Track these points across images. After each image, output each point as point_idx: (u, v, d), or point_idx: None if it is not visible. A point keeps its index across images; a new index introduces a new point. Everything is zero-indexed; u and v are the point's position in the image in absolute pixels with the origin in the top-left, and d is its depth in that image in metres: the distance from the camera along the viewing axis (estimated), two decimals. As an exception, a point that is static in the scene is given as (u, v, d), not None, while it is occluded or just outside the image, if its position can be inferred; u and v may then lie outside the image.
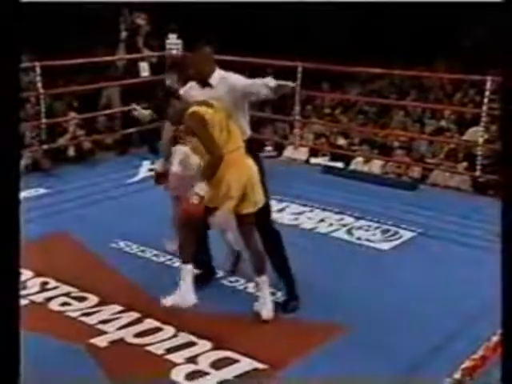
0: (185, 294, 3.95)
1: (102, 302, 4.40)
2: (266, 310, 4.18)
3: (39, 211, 5.92)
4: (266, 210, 4.25)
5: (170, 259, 5.04)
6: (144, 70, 8.25)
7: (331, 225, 5.99)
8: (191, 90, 4.24)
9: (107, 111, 8.59)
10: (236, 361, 3.75)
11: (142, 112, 4.47)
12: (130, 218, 5.87)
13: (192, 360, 3.76)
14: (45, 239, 5.37)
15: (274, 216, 5.98)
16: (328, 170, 7.85)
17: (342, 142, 9.39)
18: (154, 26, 8.64)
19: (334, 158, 8.72)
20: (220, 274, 4.83)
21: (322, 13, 12.47)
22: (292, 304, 4.37)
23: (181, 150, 4.53)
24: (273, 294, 4.39)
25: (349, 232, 5.84)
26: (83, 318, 4.21)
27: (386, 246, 5.56)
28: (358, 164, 8.46)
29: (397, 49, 11.43)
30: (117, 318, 4.20)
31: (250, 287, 4.58)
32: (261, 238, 4.24)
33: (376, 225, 5.98)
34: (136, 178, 7.15)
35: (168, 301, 3.96)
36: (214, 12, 11.43)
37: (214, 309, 4.32)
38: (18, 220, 2.28)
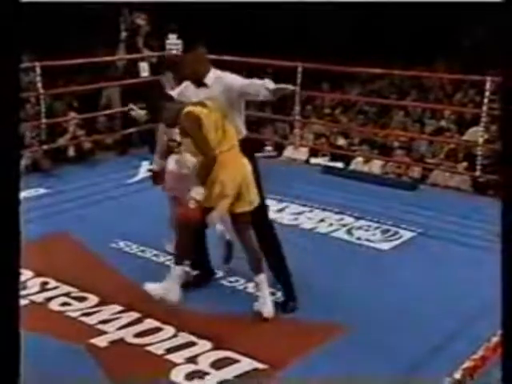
0: (169, 289, 3.99)
1: (102, 302, 4.40)
2: (267, 309, 4.18)
3: (39, 211, 5.92)
4: (262, 209, 4.26)
5: (170, 259, 5.03)
6: (144, 70, 8.25)
7: (331, 225, 5.99)
8: (186, 90, 4.25)
9: (107, 111, 8.59)
10: (236, 361, 3.75)
11: (138, 112, 4.48)
12: (130, 218, 5.87)
13: (192, 360, 3.76)
14: (45, 239, 5.37)
15: (274, 216, 6.03)
16: (328, 170, 7.85)
17: (341, 142, 9.39)
18: (153, 26, 8.65)
19: (334, 158, 8.73)
20: (219, 274, 4.82)
21: (322, 13, 12.48)
22: (291, 304, 4.37)
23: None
24: (272, 294, 4.39)
25: (349, 232, 5.84)
26: (83, 318, 4.21)
27: (385, 246, 5.56)
28: (357, 164, 8.46)
29: (397, 49, 11.43)
30: (117, 318, 4.20)
31: (250, 287, 4.58)
32: (257, 236, 4.25)
33: (376, 225, 5.98)
34: (136, 178, 7.15)
35: (151, 288, 4.02)
36: (214, 12, 11.44)
37: (213, 309, 4.33)
38: (18, 220, 2.28)
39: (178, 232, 4.06)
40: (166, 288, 4.01)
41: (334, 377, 3.56)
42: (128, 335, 4.01)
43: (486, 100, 6.80)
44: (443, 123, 9.64)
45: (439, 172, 7.97)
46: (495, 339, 3.83)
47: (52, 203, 6.34)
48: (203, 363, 3.73)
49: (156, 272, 4.72)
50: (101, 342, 3.94)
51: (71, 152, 7.92)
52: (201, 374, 3.63)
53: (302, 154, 8.97)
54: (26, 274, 4.67)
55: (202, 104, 3.99)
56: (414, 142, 9.06)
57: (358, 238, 5.69)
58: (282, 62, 7.93)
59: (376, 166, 8.37)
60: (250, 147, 4.25)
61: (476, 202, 6.73)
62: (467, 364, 3.72)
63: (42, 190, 6.77)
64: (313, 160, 8.80)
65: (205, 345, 3.90)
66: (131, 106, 4.61)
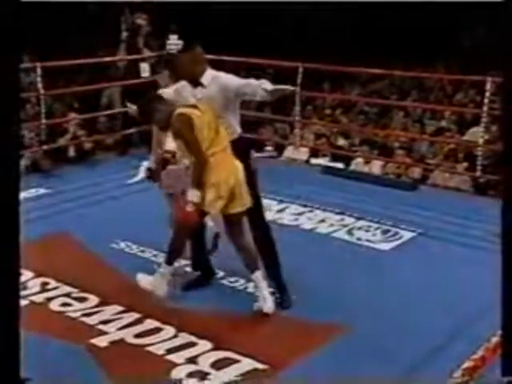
0: (158, 286, 4.06)
1: (103, 303, 4.40)
2: (267, 305, 4.18)
3: (40, 211, 5.92)
4: (257, 208, 4.29)
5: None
6: (144, 70, 8.25)
7: (331, 225, 5.99)
8: (183, 90, 4.26)
9: (108, 112, 8.59)
10: (236, 361, 3.75)
11: (135, 109, 4.49)
12: (131, 219, 5.87)
13: (192, 360, 3.76)
14: (45, 239, 5.37)
15: (275, 216, 6.04)
16: (328, 170, 7.85)
17: (342, 142, 9.38)
18: (154, 26, 8.65)
19: (334, 158, 8.71)
20: (220, 274, 4.83)
21: (322, 13, 12.48)
22: (286, 302, 4.37)
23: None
24: (273, 293, 4.39)
25: (349, 232, 5.83)
26: (84, 319, 4.21)
27: (386, 246, 5.56)
28: (358, 164, 8.45)
29: (397, 49, 11.42)
30: (117, 319, 4.20)
31: (250, 287, 4.57)
32: (252, 235, 4.28)
33: (376, 225, 5.97)
34: (136, 179, 7.15)
35: (142, 281, 4.10)
36: (214, 12, 11.45)
37: (214, 309, 4.33)
38: (18, 220, 2.28)
39: (175, 232, 4.08)
40: (154, 284, 4.07)
41: (335, 377, 3.56)
42: (128, 335, 4.01)
43: (486, 100, 6.80)
44: (443, 123, 9.63)
45: (439, 172, 7.96)
46: (495, 339, 3.84)
47: (52, 203, 6.34)
48: (203, 363, 3.73)
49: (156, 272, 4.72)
50: (101, 342, 3.94)
51: (71, 152, 7.92)
52: (201, 375, 3.63)
53: (303, 154, 8.96)
54: (26, 275, 4.67)
55: (194, 106, 4.02)
56: (415, 143, 9.05)
57: (359, 239, 5.69)
58: (283, 62, 7.93)
59: (376, 167, 8.37)
60: (244, 146, 4.29)
61: (476, 203, 6.73)
62: (467, 364, 3.72)
63: (42, 190, 6.77)
64: (313, 160, 8.79)
65: (205, 345, 3.90)
66: (128, 103, 4.63)
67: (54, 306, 4.39)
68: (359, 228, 5.93)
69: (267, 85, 3.99)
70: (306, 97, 9.30)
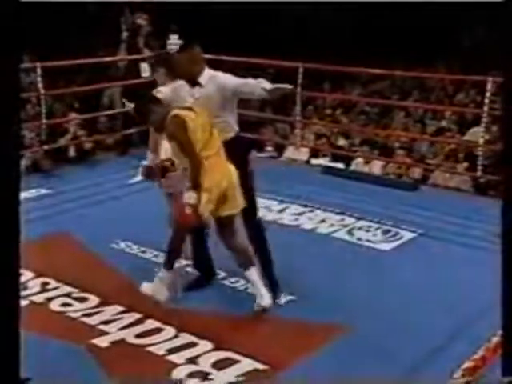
0: (158, 290, 4.09)
1: (103, 303, 4.40)
2: (264, 300, 4.17)
3: (40, 211, 5.92)
4: (252, 208, 4.33)
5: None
6: (145, 70, 8.25)
7: (332, 225, 5.98)
8: (181, 90, 4.27)
9: (108, 112, 8.59)
10: (237, 361, 3.75)
11: (132, 107, 4.49)
12: (131, 219, 5.87)
13: (193, 361, 3.76)
14: (46, 239, 5.37)
15: (275, 216, 6.04)
16: (329, 170, 7.84)
17: (342, 142, 9.38)
18: (155, 26, 8.65)
19: (334, 158, 8.71)
20: (221, 274, 4.82)
21: (322, 13, 12.48)
22: (277, 298, 4.40)
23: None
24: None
25: (349, 233, 5.83)
26: (84, 319, 4.21)
27: (386, 246, 5.56)
28: (358, 165, 8.45)
29: (397, 49, 11.42)
30: (118, 319, 4.20)
31: (251, 287, 4.57)
32: (247, 233, 4.30)
33: (377, 225, 5.97)
34: (136, 179, 7.12)
35: (143, 286, 4.14)
36: (215, 12, 11.45)
37: (214, 309, 4.33)
38: (18, 220, 2.28)
39: (174, 233, 4.10)
40: (154, 289, 4.10)
41: (335, 377, 3.55)
42: (129, 336, 4.01)
43: (486, 100, 6.79)
44: (444, 123, 9.63)
45: (440, 172, 7.96)
46: (495, 339, 3.83)
47: (53, 203, 6.34)
48: (204, 364, 3.73)
49: (157, 273, 4.72)
50: (102, 342, 3.93)
51: (72, 152, 7.92)
52: (202, 375, 3.63)
53: (303, 154, 8.95)
54: (26, 275, 4.67)
55: (189, 108, 4.04)
56: (415, 143, 9.05)
57: (359, 239, 5.69)
58: (284, 62, 7.93)
59: (377, 167, 8.36)
60: (242, 145, 4.31)
61: (477, 203, 6.72)
62: (467, 364, 3.72)
63: (42, 191, 6.77)
64: (313, 160, 8.78)
65: (206, 345, 3.90)
66: (125, 101, 4.64)
67: (55, 306, 4.38)
68: (360, 228, 5.93)
69: (266, 84, 4.03)
70: (306, 97, 9.30)
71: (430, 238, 5.71)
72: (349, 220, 6.10)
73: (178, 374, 3.63)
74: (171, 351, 3.85)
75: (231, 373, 3.65)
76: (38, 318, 4.13)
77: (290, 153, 9.11)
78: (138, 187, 6.72)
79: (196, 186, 3.91)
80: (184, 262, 4.69)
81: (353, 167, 8.41)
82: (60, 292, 4.55)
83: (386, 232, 5.83)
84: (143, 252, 5.25)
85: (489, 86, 6.69)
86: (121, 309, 4.31)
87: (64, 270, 4.84)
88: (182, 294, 4.48)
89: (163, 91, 4.36)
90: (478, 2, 8.80)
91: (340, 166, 8.39)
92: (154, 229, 5.31)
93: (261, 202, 6.19)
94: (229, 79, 4.19)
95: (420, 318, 4.27)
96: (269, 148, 9.24)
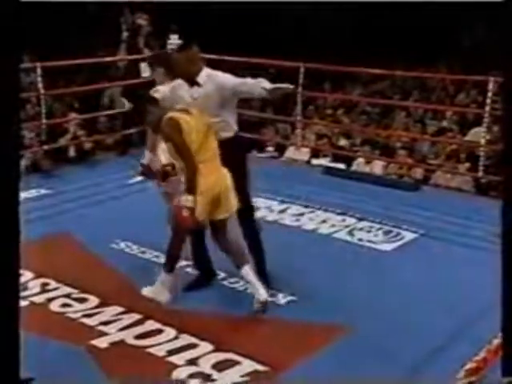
0: (159, 293, 4.17)
1: (103, 304, 4.39)
2: (260, 294, 4.16)
3: (40, 212, 5.92)
4: (248, 208, 4.35)
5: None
6: (145, 70, 8.24)
7: (333, 226, 5.97)
8: (179, 89, 4.27)
9: (108, 112, 8.58)
10: (237, 362, 3.74)
11: (130, 106, 4.50)
12: (131, 219, 5.86)
13: (193, 362, 3.75)
14: (45, 240, 5.36)
15: (276, 217, 6.03)
16: (329, 170, 7.83)
17: (343, 142, 9.37)
18: (155, 26, 8.65)
19: (335, 158, 8.71)
20: (221, 275, 4.81)
21: (322, 13, 12.48)
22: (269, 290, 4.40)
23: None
24: (273, 295, 4.40)
25: (350, 233, 5.82)
26: (84, 320, 4.20)
27: (387, 247, 5.54)
28: (359, 165, 8.44)
29: (398, 49, 11.42)
30: (117, 320, 4.19)
31: (250, 287, 4.56)
32: (243, 232, 4.29)
33: (378, 226, 5.96)
34: (136, 179, 7.14)
35: (146, 291, 4.21)
36: (214, 12, 11.45)
37: (214, 310, 4.32)
38: (18, 221, 2.27)
39: (172, 236, 4.13)
40: (155, 292, 4.16)
41: (336, 378, 3.54)
42: (129, 337, 4.00)
43: (488, 100, 6.78)
44: (445, 124, 9.62)
45: (441, 173, 7.95)
46: (496, 341, 3.82)
47: (53, 204, 6.33)
48: (204, 365, 3.72)
49: (156, 273, 4.71)
50: (101, 343, 3.92)
51: (72, 152, 7.91)
52: (202, 376, 3.61)
53: (304, 154, 8.95)
54: (26, 275, 4.66)
55: (185, 110, 4.05)
56: (416, 143, 9.04)
57: (360, 239, 5.68)
58: (285, 62, 7.93)
59: (378, 167, 8.35)
60: (241, 144, 4.32)
61: (478, 203, 6.71)
62: (469, 365, 3.71)
63: (42, 191, 6.76)
64: (314, 161, 8.78)
65: (206, 346, 3.89)
66: (123, 100, 4.65)
67: (54, 306, 4.37)
68: (361, 229, 5.91)
69: (266, 83, 4.03)
70: (307, 97, 9.30)
71: (431, 239, 5.70)
72: (350, 220, 6.09)
73: (178, 375, 3.62)
74: (171, 352, 3.83)
75: (232, 374, 3.64)
76: (38, 318, 4.12)
77: (290, 153, 9.10)
78: (138, 187, 6.73)
79: (191, 189, 3.94)
80: (184, 262, 4.69)
81: (354, 167, 8.40)
82: (60, 293, 4.54)
83: (387, 232, 5.82)
84: (143, 252, 5.24)
85: (490, 86, 6.68)
86: (120, 309, 4.30)
87: (64, 271, 4.83)
88: (181, 293, 4.48)
89: (161, 90, 4.36)
90: (478, 1, 8.80)
91: (341, 166, 8.39)
92: (153, 229, 5.30)
93: (262, 202, 6.23)
94: (228, 79, 4.20)
95: (421, 319, 4.26)
96: (270, 148, 9.24)
